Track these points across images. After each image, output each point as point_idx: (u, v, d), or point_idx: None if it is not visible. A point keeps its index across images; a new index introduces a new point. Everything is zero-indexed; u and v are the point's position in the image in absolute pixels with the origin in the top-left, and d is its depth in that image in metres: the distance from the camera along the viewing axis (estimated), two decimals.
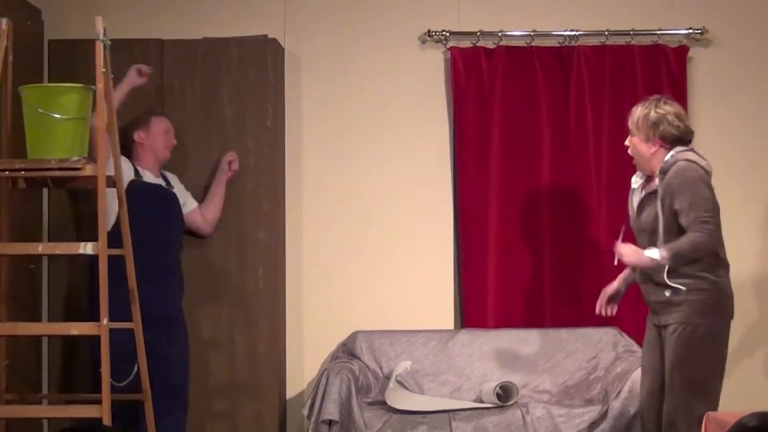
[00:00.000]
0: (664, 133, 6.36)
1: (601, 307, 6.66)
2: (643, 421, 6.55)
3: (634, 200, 6.53)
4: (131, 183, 7.02)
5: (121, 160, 6.88)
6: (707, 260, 6.26)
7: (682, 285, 6.25)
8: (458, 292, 8.11)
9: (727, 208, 7.97)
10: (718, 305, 6.30)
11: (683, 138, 6.40)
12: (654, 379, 6.47)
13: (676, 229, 6.24)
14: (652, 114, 6.36)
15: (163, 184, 7.38)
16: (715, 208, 6.29)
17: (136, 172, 7.17)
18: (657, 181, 6.34)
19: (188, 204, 7.50)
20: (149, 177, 7.26)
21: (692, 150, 6.41)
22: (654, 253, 6.24)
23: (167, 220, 7.30)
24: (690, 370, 6.27)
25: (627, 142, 6.50)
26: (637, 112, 6.42)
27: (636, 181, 6.53)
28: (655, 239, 6.30)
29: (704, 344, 6.27)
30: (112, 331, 6.13)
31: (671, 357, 6.32)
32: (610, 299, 6.64)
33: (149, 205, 7.12)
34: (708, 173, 6.32)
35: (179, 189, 7.49)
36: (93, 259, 6.61)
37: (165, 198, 7.33)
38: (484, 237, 8.03)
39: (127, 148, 7.15)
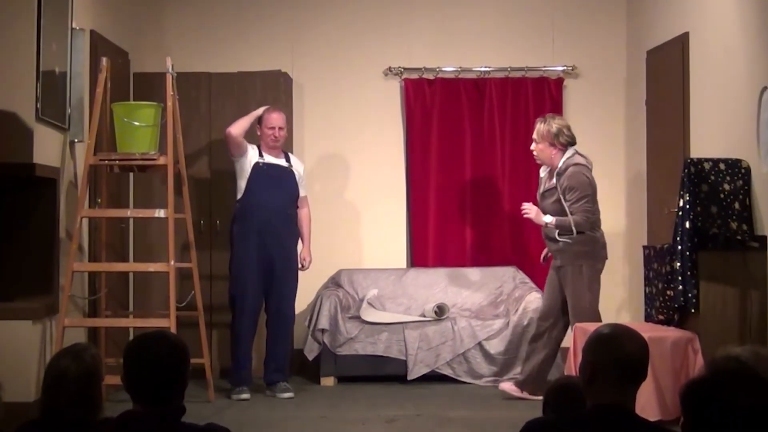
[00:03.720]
0: (562, 140, 6.48)
1: (543, 259, 6.75)
2: (538, 327, 6.65)
3: (541, 188, 6.58)
4: (255, 164, 6.82)
5: (249, 147, 6.83)
6: None
7: (568, 239, 6.38)
8: (409, 243, 8.08)
9: None
10: (593, 252, 6.41)
11: (573, 142, 6.51)
12: (549, 305, 6.56)
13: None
14: (553, 128, 6.44)
15: (284, 163, 6.92)
16: (593, 192, 6.42)
17: (260, 155, 6.87)
18: (555, 180, 6.41)
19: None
20: (269, 158, 6.88)
21: (577, 152, 6.49)
22: (548, 218, 6.39)
23: (282, 190, 6.88)
24: (575, 296, 6.39)
25: (533, 148, 6.51)
26: (542, 127, 6.46)
27: (543, 170, 6.60)
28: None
29: (585, 278, 6.38)
30: None
31: (567, 288, 6.43)
32: (546, 255, 6.70)
33: (268, 180, 6.84)
34: (589, 168, 6.45)
35: (299, 169, 7.02)
36: (234, 216, 6.78)
37: (281, 173, 6.89)
38: (426, 206, 8.01)
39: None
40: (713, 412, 2.39)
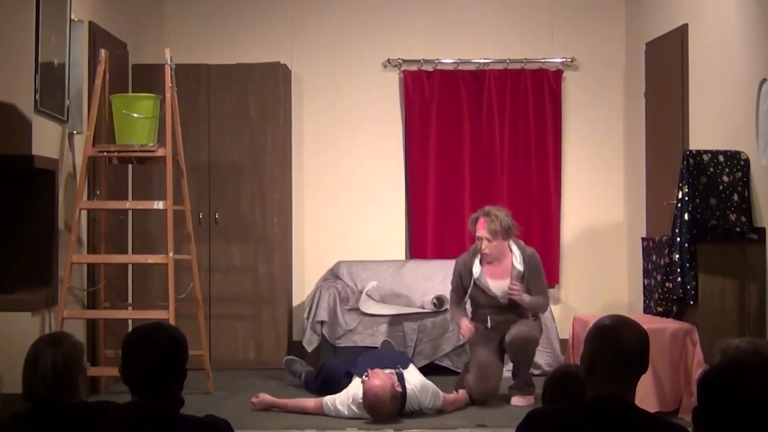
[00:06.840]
0: (514, 231, 6.35)
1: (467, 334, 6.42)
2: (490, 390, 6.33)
3: (491, 284, 6.32)
4: None
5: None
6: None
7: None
8: (408, 234, 8.09)
9: (588, 179, 8.15)
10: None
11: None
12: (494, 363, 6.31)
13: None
14: (505, 223, 6.28)
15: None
16: None
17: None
18: (522, 267, 6.28)
19: None
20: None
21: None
22: (527, 297, 6.21)
23: None
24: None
25: (485, 247, 6.27)
26: (493, 226, 6.24)
27: (476, 266, 6.38)
28: (516, 304, 6.27)
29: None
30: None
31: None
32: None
33: None
34: None
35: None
36: None
37: None
38: (425, 198, 8.01)
39: None
40: (728, 401, 2.41)
